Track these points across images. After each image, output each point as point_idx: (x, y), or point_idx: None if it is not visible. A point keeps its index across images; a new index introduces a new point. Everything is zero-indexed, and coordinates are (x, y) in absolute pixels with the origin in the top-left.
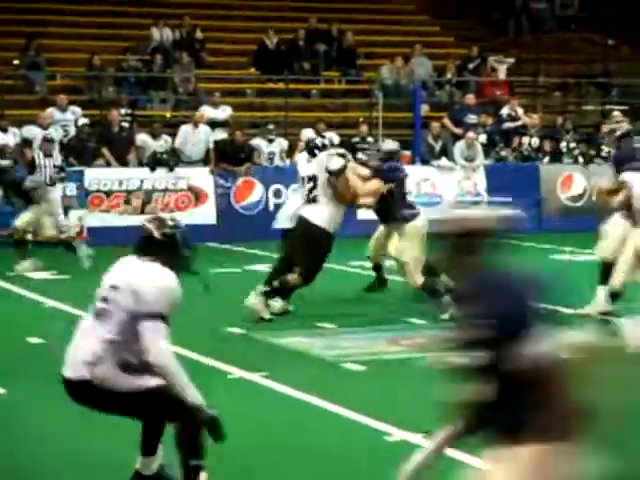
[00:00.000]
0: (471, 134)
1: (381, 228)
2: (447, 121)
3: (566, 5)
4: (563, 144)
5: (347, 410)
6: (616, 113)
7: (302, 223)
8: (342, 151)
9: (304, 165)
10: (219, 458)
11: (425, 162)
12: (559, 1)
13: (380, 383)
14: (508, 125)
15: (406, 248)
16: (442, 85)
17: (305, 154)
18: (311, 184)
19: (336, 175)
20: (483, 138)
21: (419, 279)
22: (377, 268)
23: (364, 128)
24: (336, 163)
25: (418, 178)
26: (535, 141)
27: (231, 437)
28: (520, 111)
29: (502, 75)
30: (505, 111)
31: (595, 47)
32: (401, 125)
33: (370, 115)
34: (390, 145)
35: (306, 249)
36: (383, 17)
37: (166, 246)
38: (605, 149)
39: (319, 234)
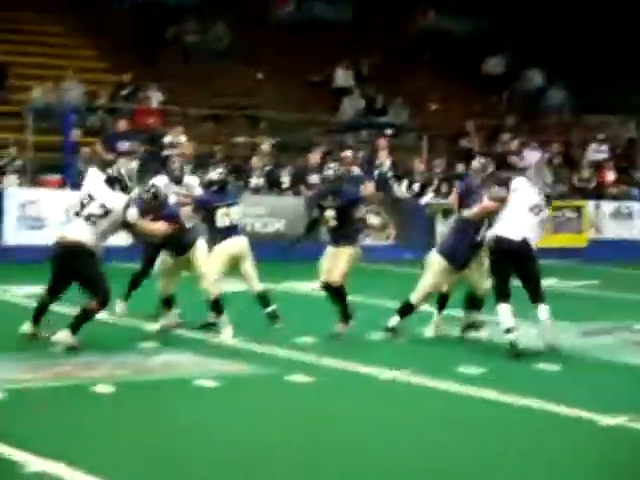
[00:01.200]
0: (122, 160)
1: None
2: (99, 147)
3: (217, 38)
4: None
5: None
6: (264, 146)
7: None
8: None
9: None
10: None
11: (76, 187)
12: (211, 35)
13: (21, 411)
14: (169, 152)
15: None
16: (95, 110)
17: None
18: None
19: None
20: (135, 164)
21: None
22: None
23: (13, 150)
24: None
25: (70, 202)
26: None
27: None
28: (183, 139)
29: (155, 103)
30: (168, 139)
31: (245, 80)
32: (53, 149)
33: (20, 137)
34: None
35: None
36: (34, 38)
37: None
38: (253, 181)
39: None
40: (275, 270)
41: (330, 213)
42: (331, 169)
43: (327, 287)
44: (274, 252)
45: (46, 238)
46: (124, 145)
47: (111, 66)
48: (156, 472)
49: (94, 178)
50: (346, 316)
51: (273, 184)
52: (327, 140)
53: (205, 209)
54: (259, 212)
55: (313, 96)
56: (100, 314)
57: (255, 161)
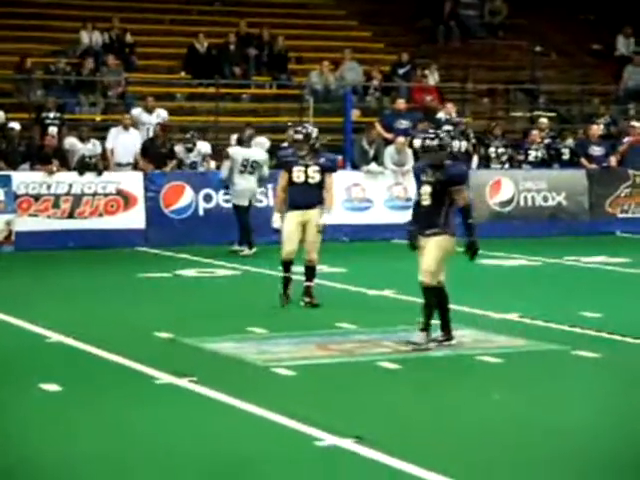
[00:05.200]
0: (401, 139)
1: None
2: (378, 126)
3: (494, 12)
4: (492, 149)
5: (277, 415)
6: (543, 120)
7: None
8: None
9: None
10: (147, 459)
11: (355, 167)
12: (487, 8)
13: (310, 388)
14: (447, 128)
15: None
16: (373, 90)
17: None
18: None
19: None
20: (418, 143)
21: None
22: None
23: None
24: None
25: (348, 183)
26: (463, 145)
27: (158, 441)
28: (454, 114)
29: (431, 81)
30: (442, 115)
31: (523, 54)
32: (332, 130)
33: (301, 119)
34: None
35: None
36: (314, 22)
37: None
38: (532, 154)
39: None
40: (556, 244)
41: None
42: None
43: None
44: (553, 227)
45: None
46: (402, 123)
47: (386, 46)
48: (443, 448)
49: None
50: None
51: (553, 157)
52: (610, 110)
53: None
54: (540, 186)
55: (594, 66)
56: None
57: (534, 135)
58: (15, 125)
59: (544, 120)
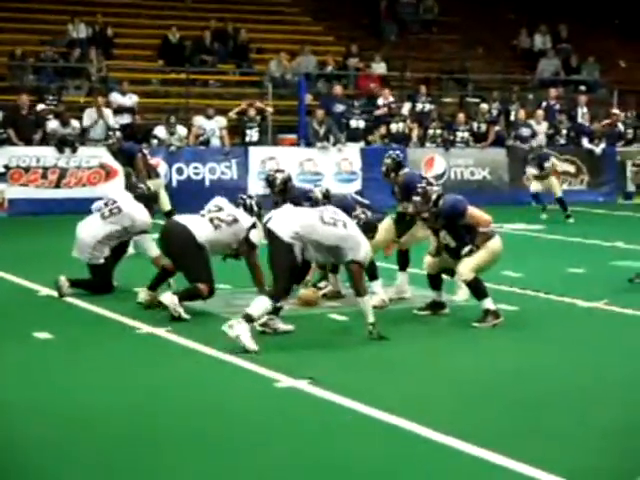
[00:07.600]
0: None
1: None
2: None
3: (427, 10)
4: (430, 131)
5: (241, 360)
6: (483, 105)
7: None
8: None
9: None
10: (130, 402)
11: (309, 144)
12: (422, 6)
13: (269, 336)
14: (381, 112)
15: None
16: (323, 77)
17: None
18: None
19: None
20: (362, 124)
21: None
22: None
23: (252, 112)
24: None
25: (302, 158)
26: (400, 126)
27: (137, 383)
28: (391, 100)
29: (377, 70)
30: (380, 101)
31: (453, 47)
32: (288, 112)
33: (261, 102)
34: None
35: None
36: (273, 17)
37: None
38: (459, 135)
39: None
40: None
41: None
42: None
43: None
44: (479, 198)
45: None
46: (338, 108)
47: (335, 39)
48: (384, 387)
49: None
50: None
51: (478, 137)
52: (525, 97)
53: None
54: (468, 162)
55: (514, 58)
56: None
57: (460, 117)
58: (41, 107)
59: (484, 105)
